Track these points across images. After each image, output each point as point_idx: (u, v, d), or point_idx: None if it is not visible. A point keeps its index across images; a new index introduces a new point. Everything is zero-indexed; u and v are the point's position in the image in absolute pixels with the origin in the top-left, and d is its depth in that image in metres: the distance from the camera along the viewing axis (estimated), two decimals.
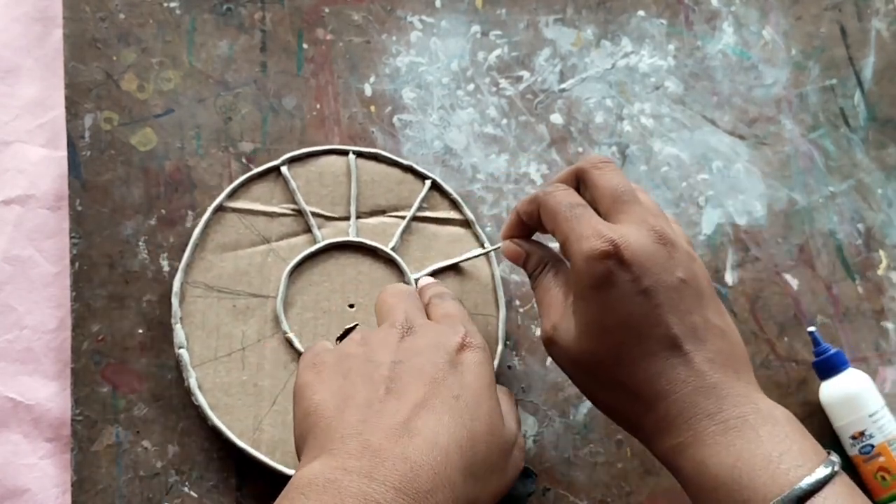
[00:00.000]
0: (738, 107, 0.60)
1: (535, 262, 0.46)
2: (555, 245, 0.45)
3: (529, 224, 0.47)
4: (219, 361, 0.50)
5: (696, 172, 0.59)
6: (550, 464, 0.53)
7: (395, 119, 0.56)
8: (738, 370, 0.40)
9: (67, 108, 0.53)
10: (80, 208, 0.52)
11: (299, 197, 0.53)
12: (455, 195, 0.55)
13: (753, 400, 0.39)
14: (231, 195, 0.52)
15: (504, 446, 0.40)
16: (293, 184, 0.53)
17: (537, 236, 0.48)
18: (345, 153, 0.54)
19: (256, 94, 0.55)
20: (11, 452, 0.50)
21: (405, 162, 0.54)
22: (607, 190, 0.43)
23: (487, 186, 0.56)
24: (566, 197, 0.43)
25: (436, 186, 0.55)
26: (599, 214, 0.43)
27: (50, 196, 0.53)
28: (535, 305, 0.55)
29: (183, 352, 0.50)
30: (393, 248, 0.53)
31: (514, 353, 0.54)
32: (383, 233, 0.53)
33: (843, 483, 0.37)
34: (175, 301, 0.50)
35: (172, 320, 0.50)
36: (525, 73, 0.58)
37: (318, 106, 0.55)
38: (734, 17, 0.61)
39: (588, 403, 0.55)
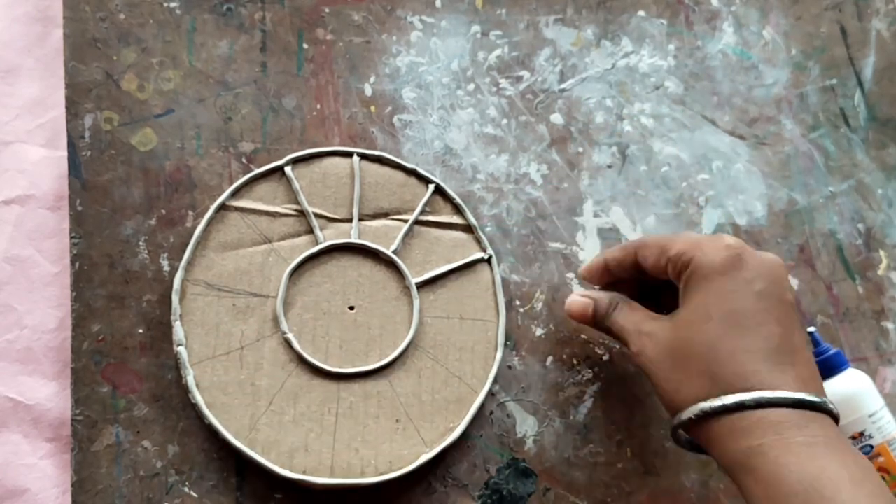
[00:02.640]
0: (739, 107, 0.60)
1: (607, 303, 0.49)
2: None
3: (615, 271, 0.50)
4: (217, 360, 0.50)
5: (697, 172, 0.59)
6: (551, 464, 0.53)
7: (395, 119, 0.56)
8: (818, 397, 0.42)
9: (67, 108, 0.53)
10: (80, 208, 0.52)
11: (302, 198, 0.53)
12: (458, 199, 0.55)
13: (828, 424, 0.41)
14: (234, 194, 0.52)
15: None
16: (297, 184, 0.53)
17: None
18: (349, 155, 0.54)
19: (256, 94, 0.55)
20: (11, 452, 0.50)
21: (409, 165, 0.54)
22: (713, 239, 0.46)
23: (488, 186, 0.56)
24: (681, 234, 0.48)
25: (439, 190, 0.55)
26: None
27: (50, 196, 0.53)
28: (537, 306, 0.55)
29: (181, 349, 0.50)
30: (395, 251, 0.53)
31: (515, 352, 0.54)
32: (385, 235, 0.53)
33: None
34: (175, 298, 0.50)
35: (172, 317, 0.50)
36: (525, 73, 0.58)
37: (319, 106, 0.55)
38: (734, 17, 0.61)
39: (588, 403, 0.55)
